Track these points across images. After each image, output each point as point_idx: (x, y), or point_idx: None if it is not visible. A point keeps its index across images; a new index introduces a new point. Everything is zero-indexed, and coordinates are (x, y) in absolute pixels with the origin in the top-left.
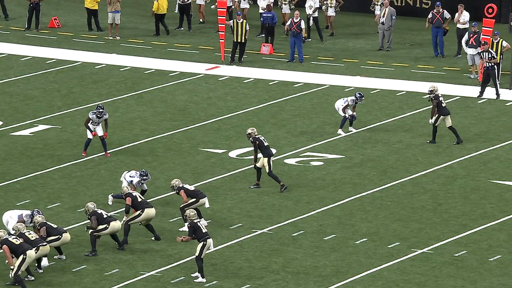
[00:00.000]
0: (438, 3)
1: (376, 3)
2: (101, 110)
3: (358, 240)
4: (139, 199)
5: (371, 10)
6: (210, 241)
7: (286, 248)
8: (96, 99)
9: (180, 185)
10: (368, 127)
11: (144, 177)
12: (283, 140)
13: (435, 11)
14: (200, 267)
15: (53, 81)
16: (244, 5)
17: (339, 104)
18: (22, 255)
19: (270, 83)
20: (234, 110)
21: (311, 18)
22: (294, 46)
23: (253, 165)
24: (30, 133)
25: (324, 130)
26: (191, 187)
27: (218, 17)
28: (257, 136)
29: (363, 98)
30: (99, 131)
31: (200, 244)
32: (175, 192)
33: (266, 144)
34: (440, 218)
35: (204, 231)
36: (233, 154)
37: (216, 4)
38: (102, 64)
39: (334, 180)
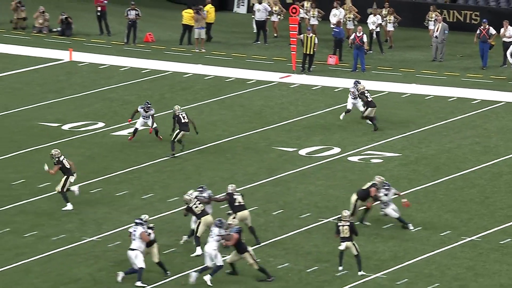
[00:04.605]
0: (484, 20)
1: (430, 19)
2: (148, 105)
3: (414, 228)
4: (236, 204)
5: (425, 25)
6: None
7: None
8: (184, 104)
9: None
10: (422, 129)
11: (201, 191)
12: (347, 140)
13: (482, 27)
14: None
15: (147, 88)
16: (314, 21)
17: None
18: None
19: (335, 90)
20: (303, 114)
21: (374, 32)
22: (357, 57)
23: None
24: (128, 133)
25: (383, 131)
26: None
27: (290, 32)
28: (177, 114)
29: (358, 83)
30: (151, 123)
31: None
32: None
33: (183, 121)
34: (487, 210)
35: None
36: (302, 152)
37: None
38: (189, 73)
39: (392, 176)
